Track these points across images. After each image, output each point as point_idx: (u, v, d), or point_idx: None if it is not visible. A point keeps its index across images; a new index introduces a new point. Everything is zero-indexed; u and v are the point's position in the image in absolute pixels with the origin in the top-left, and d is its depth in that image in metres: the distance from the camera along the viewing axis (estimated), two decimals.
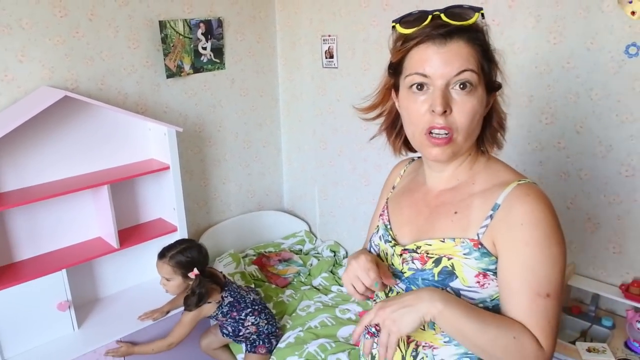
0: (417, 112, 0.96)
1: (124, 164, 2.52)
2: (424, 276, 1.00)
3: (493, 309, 0.97)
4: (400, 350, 1.06)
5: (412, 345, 1.03)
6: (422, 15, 0.95)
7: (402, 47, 0.97)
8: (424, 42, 0.94)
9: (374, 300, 1.07)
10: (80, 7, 2.35)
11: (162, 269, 2.22)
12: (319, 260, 3.09)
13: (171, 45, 2.67)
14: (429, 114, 0.94)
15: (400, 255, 1.06)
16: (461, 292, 0.96)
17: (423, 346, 1.02)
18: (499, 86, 1.02)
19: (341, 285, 2.86)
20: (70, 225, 2.40)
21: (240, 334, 2.33)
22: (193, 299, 2.18)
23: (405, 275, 1.04)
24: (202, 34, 2.79)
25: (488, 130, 1.04)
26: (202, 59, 2.84)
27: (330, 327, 2.45)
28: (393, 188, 1.25)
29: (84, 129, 2.35)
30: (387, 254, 1.10)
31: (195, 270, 2.19)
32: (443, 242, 0.99)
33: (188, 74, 2.80)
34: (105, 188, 2.27)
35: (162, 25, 2.62)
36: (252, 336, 2.35)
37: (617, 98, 2.01)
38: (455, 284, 0.96)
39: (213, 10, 2.86)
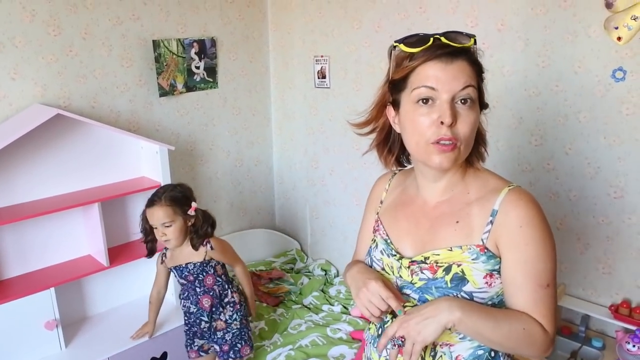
0: (422, 123, 1.02)
1: (115, 181, 2.51)
2: (437, 284, 1.06)
3: (499, 303, 1.07)
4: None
5: (430, 346, 1.09)
6: (424, 37, 1.03)
7: (410, 63, 1.03)
8: (431, 59, 1.01)
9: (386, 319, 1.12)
10: (74, 26, 2.36)
11: (160, 214, 2.02)
12: (310, 279, 3.08)
13: (164, 64, 2.68)
14: (435, 125, 1.00)
15: (408, 267, 1.10)
16: (473, 294, 1.04)
17: (440, 345, 1.09)
18: (486, 105, 1.10)
19: (332, 305, 2.85)
20: (60, 243, 2.38)
21: (225, 300, 2.15)
22: (200, 233, 2.09)
23: (417, 285, 1.09)
24: (195, 53, 2.81)
25: (474, 144, 1.11)
26: (195, 77, 2.85)
27: (321, 346, 2.44)
28: (381, 203, 1.28)
29: (75, 146, 2.35)
30: (392, 267, 1.14)
31: (194, 204, 2.08)
32: (450, 250, 1.06)
33: (181, 92, 2.81)
34: (95, 206, 2.26)
35: (156, 44, 2.63)
36: (233, 320, 2.16)
37: (605, 121, 2.04)
38: (467, 287, 1.03)
39: (206, 30, 2.89)
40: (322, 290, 2.99)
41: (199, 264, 2.11)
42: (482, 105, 1.08)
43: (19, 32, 2.21)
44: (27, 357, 2.18)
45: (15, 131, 2.02)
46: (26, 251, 2.29)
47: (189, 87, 2.84)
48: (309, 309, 2.85)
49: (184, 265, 2.13)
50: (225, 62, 3.02)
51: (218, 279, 2.15)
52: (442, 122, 0.99)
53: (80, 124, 2.32)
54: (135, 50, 2.59)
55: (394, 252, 1.15)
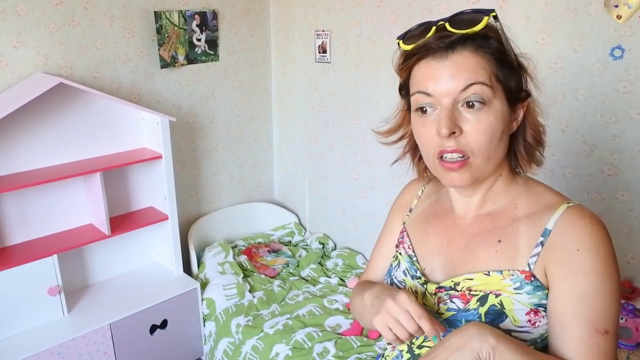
0: (426, 135, 0.86)
1: (117, 152, 2.53)
2: (468, 317, 0.88)
3: (542, 350, 0.86)
4: None
5: None
6: (426, 27, 0.86)
7: (404, 65, 0.89)
8: (424, 57, 0.85)
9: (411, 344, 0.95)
10: None
11: None
12: (307, 252, 3.13)
13: (166, 35, 2.69)
14: (437, 136, 0.84)
15: (435, 293, 0.93)
16: (512, 334, 0.85)
17: None
18: (526, 95, 0.90)
19: (329, 277, 2.90)
20: (61, 212, 2.41)
21: None
22: None
23: (444, 316, 0.91)
24: (196, 25, 2.81)
25: (522, 146, 0.94)
26: (196, 50, 2.86)
27: (318, 316, 2.50)
28: (410, 211, 1.09)
29: (77, 116, 2.37)
30: (416, 292, 0.96)
31: None
32: (488, 275, 0.87)
33: (182, 64, 2.82)
34: (97, 175, 2.29)
35: (158, 15, 2.63)
36: None
37: (602, 99, 2.06)
38: (505, 324, 0.85)
39: (208, 2, 2.88)
40: (320, 263, 3.05)
41: None
42: (517, 97, 0.89)
43: (21, 0, 2.21)
44: (30, 321, 2.23)
45: (17, 99, 2.04)
46: (28, 219, 2.32)
47: (190, 60, 2.85)
48: (307, 280, 2.90)
49: None
50: (227, 35, 3.02)
51: None
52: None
53: (82, 93, 2.34)
54: (137, 21, 2.59)
55: (418, 274, 0.96)
